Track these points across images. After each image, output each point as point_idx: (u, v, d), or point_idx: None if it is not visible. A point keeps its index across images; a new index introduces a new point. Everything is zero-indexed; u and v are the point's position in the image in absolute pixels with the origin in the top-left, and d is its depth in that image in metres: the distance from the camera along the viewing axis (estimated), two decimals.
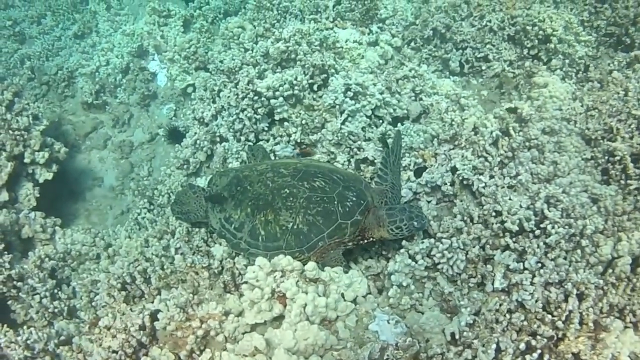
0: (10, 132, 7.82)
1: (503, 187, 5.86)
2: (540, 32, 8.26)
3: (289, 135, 7.13)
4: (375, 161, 6.64)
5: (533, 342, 4.82)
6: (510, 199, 5.62)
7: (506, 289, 5.17)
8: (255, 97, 7.17)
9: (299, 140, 7.07)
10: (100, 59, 10.74)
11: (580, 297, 5.11)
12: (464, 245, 5.33)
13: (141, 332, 4.92)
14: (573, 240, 5.38)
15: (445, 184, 6.07)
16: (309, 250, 5.29)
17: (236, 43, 9.04)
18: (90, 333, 5.27)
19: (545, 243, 5.27)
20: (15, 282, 6.67)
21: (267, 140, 7.24)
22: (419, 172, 6.31)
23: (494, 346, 4.76)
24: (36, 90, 10.87)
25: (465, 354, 4.74)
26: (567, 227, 5.33)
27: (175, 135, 8.58)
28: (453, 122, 7.08)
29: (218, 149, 7.42)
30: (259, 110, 7.16)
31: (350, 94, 7.17)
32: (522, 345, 4.81)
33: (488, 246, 5.34)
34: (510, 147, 6.18)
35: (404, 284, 5.23)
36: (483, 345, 4.77)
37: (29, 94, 10.55)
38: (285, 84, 7.15)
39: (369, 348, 4.43)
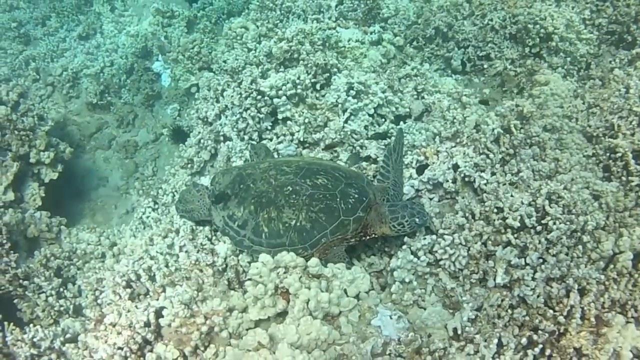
0: (16, 132, 7.86)
1: (505, 184, 5.89)
2: (542, 30, 8.29)
3: (292, 134, 7.15)
4: (378, 159, 6.67)
5: (535, 337, 4.86)
6: (511, 195, 5.65)
7: (508, 285, 5.19)
8: (259, 97, 7.20)
9: (301, 139, 7.11)
10: (104, 60, 10.79)
11: (582, 293, 5.15)
12: (466, 241, 5.36)
13: (146, 328, 4.96)
14: (574, 236, 5.41)
15: (447, 181, 6.10)
16: (312, 247, 5.34)
17: (239, 43, 9.07)
18: (95, 330, 5.31)
19: (546, 239, 5.30)
20: (21, 281, 6.71)
21: (271, 139, 7.26)
22: (421, 169, 6.33)
23: (495, 341, 4.80)
24: (41, 91, 10.91)
25: (467, 349, 4.77)
26: (568, 223, 5.36)
27: (180, 135, 8.63)
28: (455, 120, 7.11)
29: (222, 148, 7.45)
30: (262, 109, 7.19)
31: (352, 92, 7.20)
32: (524, 340, 4.85)
33: (490, 242, 5.36)
34: (512, 145, 6.21)
35: (407, 280, 5.26)
36: (485, 340, 4.81)
37: (34, 95, 10.56)
38: (288, 83, 7.18)
39: (371, 343, 4.47)
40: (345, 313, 4.72)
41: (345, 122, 7.08)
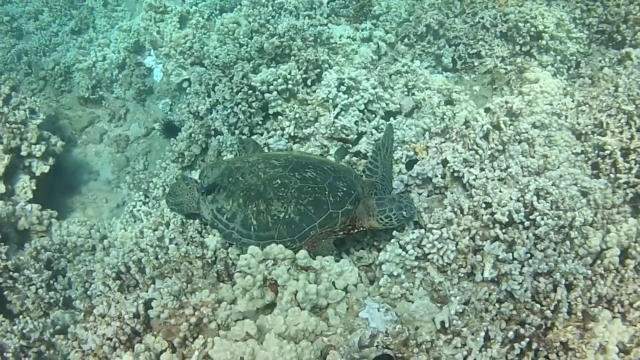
0: (7, 125, 7.85)
1: (493, 180, 5.93)
2: (532, 28, 8.32)
3: (283, 129, 7.20)
4: (368, 154, 6.70)
5: (522, 331, 4.89)
6: (500, 191, 5.69)
7: (495, 279, 5.22)
8: (250, 91, 7.24)
9: (292, 134, 7.13)
10: (97, 54, 10.75)
11: (569, 287, 5.18)
12: (454, 236, 5.39)
13: (135, 320, 4.98)
14: (562, 232, 5.45)
15: (436, 176, 6.14)
16: (300, 239, 5.38)
17: (231, 38, 9.08)
18: (85, 321, 5.32)
19: (534, 234, 5.34)
20: (11, 273, 6.68)
21: (261, 134, 7.30)
22: (410, 164, 6.36)
23: (483, 334, 4.83)
24: (33, 85, 10.87)
25: (454, 341, 4.80)
26: (556, 218, 5.40)
27: (171, 130, 8.61)
28: (444, 116, 7.15)
29: (213, 142, 7.46)
30: (253, 104, 7.22)
31: (343, 88, 7.25)
32: (511, 334, 4.88)
33: (478, 237, 5.39)
34: (501, 141, 6.25)
35: (395, 273, 5.29)
36: (472, 334, 4.84)
37: (26, 89, 10.56)
38: (279, 78, 7.22)
39: (359, 334, 4.49)
40: (333, 305, 4.74)
41: (336, 117, 7.12)
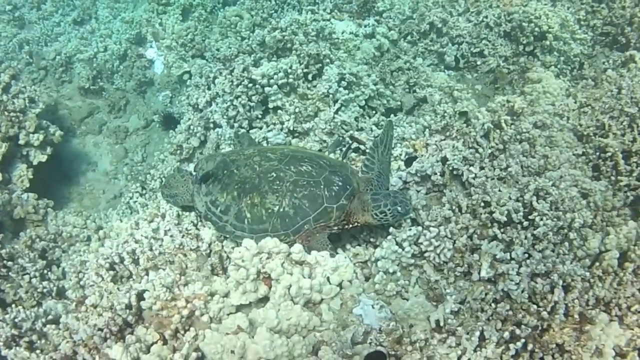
0: (6, 113, 7.83)
1: (493, 179, 5.87)
2: (536, 29, 8.30)
3: (282, 123, 7.16)
4: (367, 151, 6.67)
5: (517, 332, 4.84)
6: (499, 190, 5.64)
7: (492, 279, 5.17)
8: (250, 85, 7.20)
9: (291, 128, 7.09)
10: (98, 45, 10.75)
11: (566, 289, 5.13)
12: (451, 234, 5.33)
13: (127, 311, 4.92)
14: (561, 233, 5.40)
15: (435, 173, 6.07)
16: (294, 233, 5.32)
17: (233, 32, 9.07)
18: (76, 311, 5.29)
19: (533, 234, 5.29)
20: (5, 262, 6.67)
21: (260, 128, 7.27)
22: (409, 161, 6.31)
23: (478, 334, 4.78)
24: (34, 74, 10.89)
25: (449, 341, 4.74)
26: (555, 219, 5.35)
27: (170, 122, 8.61)
28: (445, 114, 7.11)
29: (211, 135, 7.44)
30: (253, 97, 7.19)
31: (344, 83, 7.22)
32: (507, 334, 4.83)
33: (476, 236, 5.35)
34: (502, 140, 6.20)
35: (390, 270, 5.22)
36: (467, 333, 4.79)
37: (27, 78, 10.56)
38: (280, 72, 7.18)
39: (352, 330, 4.44)
40: (327, 300, 4.69)
41: (336, 112, 7.08)
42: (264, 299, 4.74)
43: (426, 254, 5.30)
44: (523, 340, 4.81)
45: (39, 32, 11.71)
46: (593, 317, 5.02)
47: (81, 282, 6.20)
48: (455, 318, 4.89)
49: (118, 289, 5.39)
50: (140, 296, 5.00)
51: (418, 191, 6.20)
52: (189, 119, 7.76)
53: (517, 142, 6.26)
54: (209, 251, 5.73)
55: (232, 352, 4.21)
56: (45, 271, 6.73)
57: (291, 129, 7.11)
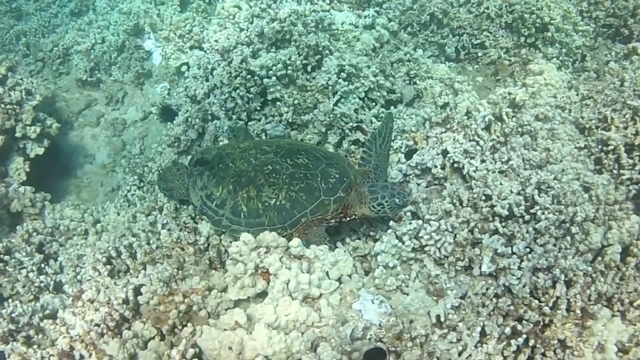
0: (2, 105, 7.76)
1: (494, 172, 5.83)
2: (538, 20, 8.23)
3: (281, 115, 7.10)
4: (365, 143, 6.62)
5: (519, 327, 4.83)
6: (500, 183, 5.60)
7: (493, 273, 5.15)
8: (248, 76, 7.13)
9: (290, 120, 7.03)
10: (95, 37, 10.66)
11: (568, 284, 5.10)
12: (452, 228, 5.30)
13: (124, 306, 4.89)
14: (563, 227, 5.37)
15: (436, 166, 6.03)
16: (291, 226, 5.29)
17: (232, 22, 8.96)
18: (73, 306, 5.24)
19: (534, 228, 5.26)
20: (2, 256, 6.62)
21: (259, 120, 7.20)
22: (410, 154, 6.27)
23: (479, 329, 4.77)
24: (31, 66, 10.81)
25: (449, 336, 4.73)
26: (557, 213, 5.32)
27: (168, 114, 8.52)
28: (446, 106, 7.06)
29: (209, 127, 7.37)
30: (252, 89, 7.12)
31: (343, 75, 7.16)
32: (508, 330, 4.81)
33: (477, 230, 5.31)
34: (503, 132, 6.16)
35: (391, 264, 5.19)
36: (468, 329, 4.78)
37: (24, 70, 10.48)
38: (278, 63, 7.11)
39: (351, 326, 4.40)
40: (325, 295, 4.65)
41: (335, 104, 7.03)
42: (262, 294, 4.71)
43: (427, 248, 5.28)
44: (524, 336, 4.79)
45: (36, 24, 11.59)
46: (595, 313, 5.01)
47: (78, 277, 6.16)
48: (456, 313, 4.87)
49: (115, 283, 5.35)
50: (137, 291, 4.97)
51: (418, 184, 6.16)
52: (187, 110, 7.70)
53: (519, 135, 6.22)
54: (207, 245, 5.70)
55: (230, 348, 4.17)
56: (43, 265, 6.66)
57: (290, 120, 7.05)
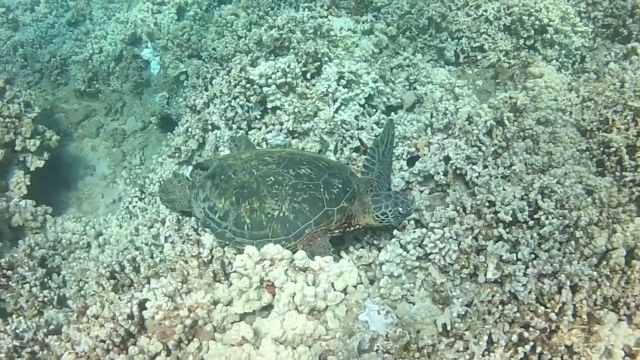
0: (1, 119, 7.76)
1: (497, 177, 5.80)
2: (537, 22, 8.24)
3: (281, 124, 7.08)
4: (367, 151, 6.61)
5: (526, 334, 4.78)
6: (503, 189, 5.57)
7: (499, 280, 5.11)
8: (248, 85, 7.12)
9: (291, 129, 7.02)
10: (93, 47, 10.68)
11: (574, 289, 5.06)
12: (456, 235, 5.27)
13: (129, 321, 4.85)
14: (567, 232, 5.33)
15: (438, 173, 6.02)
16: (295, 237, 5.27)
17: (229, 30, 8.97)
18: (78, 322, 5.22)
19: (538, 234, 5.22)
20: (4, 271, 6.60)
21: (259, 129, 7.19)
22: (412, 161, 6.26)
23: (486, 338, 4.71)
24: (29, 77, 10.84)
25: (456, 345, 4.69)
26: (561, 218, 5.28)
27: (168, 123, 8.55)
28: (447, 111, 7.05)
29: (210, 137, 7.37)
30: (251, 98, 7.11)
31: (343, 82, 7.16)
32: (515, 337, 4.77)
33: (481, 236, 5.28)
34: (505, 137, 6.13)
35: (395, 274, 5.18)
36: (475, 337, 4.73)
37: (22, 82, 10.51)
38: (278, 71, 7.11)
39: (358, 338, 4.38)
40: (332, 307, 4.63)
41: (336, 112, 7.03)
42: (268, 306, 4.68)
43: (431, 256, 5.25)
44: (531, 343, 4.75)
45: (33, 35, 11.61)
46: (601, 317, 4.96)
47: (82, 291, 6.15)
48: (462, 321, 4.83)
49: (119, 298, 5.32)
50: (142, 305, 4.94)
51: (421, 191, 6.16)
52: (187, 120, 7.70)
53: (521, 139, 6.19)
54: (211, 257, 5.67)
55: None
56: (46, 279, 6.66)
57: (291, 129, 7.04)
